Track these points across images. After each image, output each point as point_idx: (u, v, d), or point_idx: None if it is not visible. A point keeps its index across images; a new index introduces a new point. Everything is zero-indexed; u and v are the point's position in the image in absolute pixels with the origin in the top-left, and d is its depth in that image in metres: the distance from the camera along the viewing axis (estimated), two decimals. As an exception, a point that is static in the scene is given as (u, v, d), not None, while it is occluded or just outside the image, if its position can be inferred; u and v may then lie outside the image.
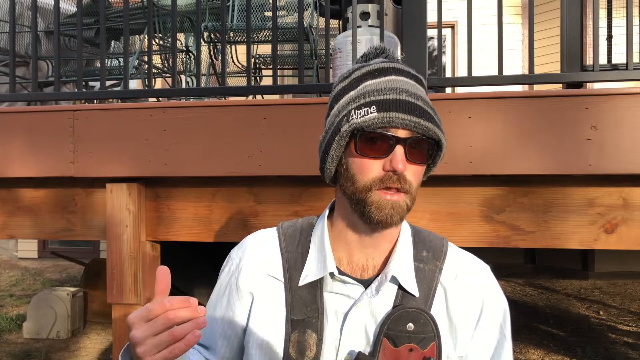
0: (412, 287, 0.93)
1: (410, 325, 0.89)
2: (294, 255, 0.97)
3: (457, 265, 0.98)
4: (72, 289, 5.11)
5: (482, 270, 1.01)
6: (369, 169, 0.87)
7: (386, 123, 0.85)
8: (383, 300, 0.92)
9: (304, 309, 0.93)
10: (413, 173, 0.88)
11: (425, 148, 0.88)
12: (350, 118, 0.87)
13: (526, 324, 4.73)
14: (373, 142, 0.86)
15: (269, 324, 0.94)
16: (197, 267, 4.35)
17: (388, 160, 0.85)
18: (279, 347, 0.92)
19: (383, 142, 0.85)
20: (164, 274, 0.79)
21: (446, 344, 0.92)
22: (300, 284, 0.94)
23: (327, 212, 1.01)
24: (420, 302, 0.92)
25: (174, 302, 0.75)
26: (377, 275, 0.94)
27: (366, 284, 0.94)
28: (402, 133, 0.86)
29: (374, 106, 0.85)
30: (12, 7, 2.35)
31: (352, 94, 0.91)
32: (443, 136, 0.89)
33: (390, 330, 0.89)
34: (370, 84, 0.89)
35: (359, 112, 0.87)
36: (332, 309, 0.93)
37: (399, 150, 0.85)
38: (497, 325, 0.98)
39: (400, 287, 0.93)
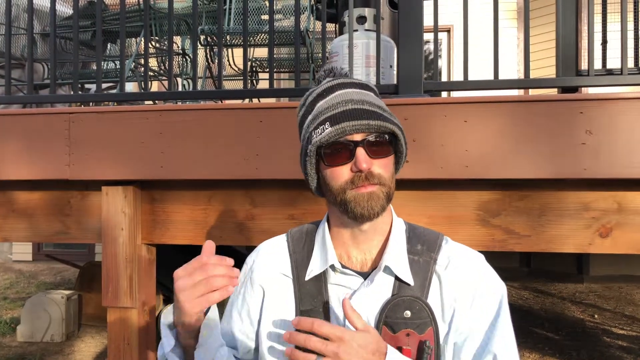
0: (407, 276, 1.00)
1: (407, 313, 0.97)
2: (301, 254, 1.08)
3: (450, 255, 1.04)
4: (67, 292, 5.08)
5: (475, 258, 1.06)
6: (340, 175, 0.97)
7: (341, 133, 0.95)
8: (381, 291, 1.00)
9: (311, 300, 1.03)
10: (381, 166, 0.97)
11: (385, 142, 0.98)
12: (312, 139, 0.99)
13: (521, 327, 4.74)
14: (336, 152, 0.97)
15: (282, 316, 1.04)
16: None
17: (353, 163, 0.96)
18: None
19: (344, 149, 0.96)
20: (210, 245, 0.91)
21: (442, 330, 0.99)
22: (307, 278, 1.04)
23: (326, 216, 1.11)
24: (416, 290, 1.00)
25: (211, 258, 0.87)
26: (375, 268, 1.03)
27: (365, 276, 1.03)
28: (357, 137, 0.96)
29: (328, 122, 0.97)
30: (8, 9, 2.34)
31: (310, 117, 1.03)
32: (395, 127, 0.98)
33: (388, 317, 0.97)
34: (321, 103, 1.01)
35: (317, 131, 0.98)
36: (335, 298, 1.02)
37: (360, 151, 0.95)
38: (492, 306, 1.01)
39: (397, 279, 1.01)
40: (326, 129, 0.96)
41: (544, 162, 1.75)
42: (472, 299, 1.01)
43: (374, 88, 1.06)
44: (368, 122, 0.95)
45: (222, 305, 1.11)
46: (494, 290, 1.03)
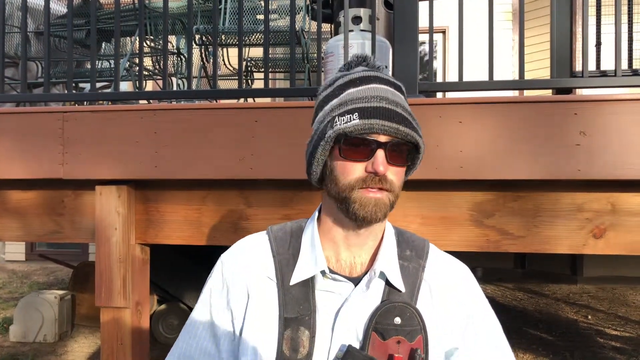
0: (399, 283, 0.98)
1: (398, 319, 0.94)
2: (285, 256, 1.01)
3: (438, 264, 1.04)
4: (60, 292, 5.05)
5: (462, 268, 1.07)
6: (352, 171, 0.93)
7: (368, 129, 0.91)
8: (372, 296, 0.97)
9: (297, 307, 0.96)
10: (394, 174, 0.94)
11: (404, 151, 0.95)
12: (335, 124, 0.93)
13: (515, 328, 4.75)
14: (356, 146, 0.92)
15: (263, 323, 0.97)
16: (186, 270, 4.33)
17: (370, 163, 0.91)
18: (272, 345, 0.95)
19: (365, 146, 0.92)
20: None
21: (432, 337, 0.96)
22: (292, 283, 0.97)
23: (316, 214, 1.05)
24: (406, 297, 0.97)
25: None
26: (365, 272, 0.99)
27: (355, 281, 0.98)
28: (382, 138, 0.92)
29: (357, 113, 0.91)
30: (1, 8, 2.33)
31: (335, 101, 0.96)
32: (421, 140, 0.96)
33: (379, 324, 0.94)
34: (353, 91, 0.95)
35: (342, 118, 0.92)
36: (323, 306, 0.96)
37: (380, 153, 0.91)
38: (480, 316, 1.04)
39: (387, 284, 0.98)
40: (354, 119, 0.91)
41: (538, 163, 1.76)
42: (460, 308, 1.01)
43: (404, 92, 1.01)
44: (398, 127, 0.91)
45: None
46: (480, 300, 1.05)
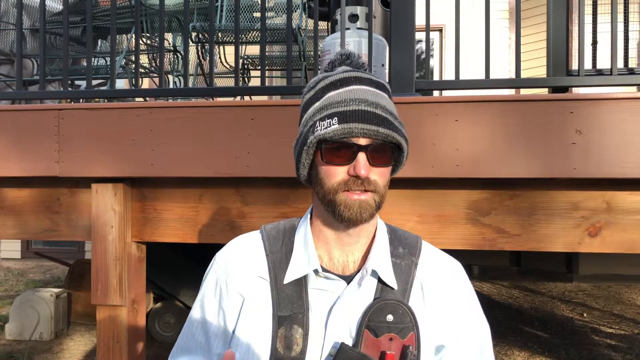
0: (391, 280, 0.98)
1: (390, 317, 0.95)
2: (279, 255, 1.02)
3: (431, 261, 1.05)
4: (56, 290, 5.04)
5: (454, 265, 1.08)
6: (335, 174, 0.93)
7: (347, 133, 0.91)
8: (364, 294, 0.98)
9: (290, 306, 0.97)
10: (378, 174, 0.94)
11: (387, 151, 0.95)
12: (315, 129, 0.94)
13: (511, 325, 4.77)
14: (337, 150, 0.93)
15: (257, 322, 0.98)
16: (183, 268, 4.33)
17: (352, 166, 0.92)
18: (266, 343, 0.95)
19: (346, 150, 0.92)
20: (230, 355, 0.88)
21: (424, 334, 0.97)
22: (286, 281, 0.98)
23: (308, 213, 1.06)
24: (398, 294, 0.98)
25: None
26: (358, 270, 0.99)
27: (348, 279, 0.98)
28: (363, 141, 0.92)
29: (336, 118, 0.92)
30: (-4, 4, 2.32)
31: (317, 104, 0.97)
32: (402, 139, 0.95)
33: (371, 321, 0.94)
34: (333, 95, 0.96)
35: (322, 123, 0.93)
36: (316, 304, 0.97)
37: (361, 157, 0.91)
38: (471, 314, 1.05)
39: (380, 281, 0.99)
40: (333, 124, 0.91)
41: (534, 161, 1.76)
42: (451, 305, 1.02)
43: (389, 89, 1.01)
44: (377, 129, 0.91)
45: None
46: (472, 298, 1.06)
